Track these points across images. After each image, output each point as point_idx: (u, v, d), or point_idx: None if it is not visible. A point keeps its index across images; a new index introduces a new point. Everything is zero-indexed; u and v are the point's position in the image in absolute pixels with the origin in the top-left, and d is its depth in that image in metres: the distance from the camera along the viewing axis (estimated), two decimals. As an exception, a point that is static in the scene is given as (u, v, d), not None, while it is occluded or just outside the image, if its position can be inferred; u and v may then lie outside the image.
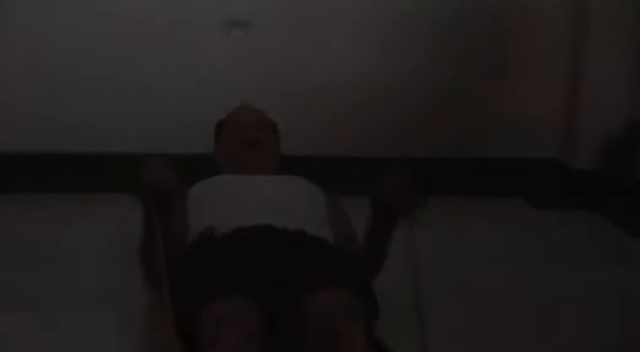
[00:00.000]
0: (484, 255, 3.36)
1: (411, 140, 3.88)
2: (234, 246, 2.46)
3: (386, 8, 3.81)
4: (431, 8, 3.82)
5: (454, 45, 3.86)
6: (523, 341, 2.67)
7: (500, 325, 2.77)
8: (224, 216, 2.59)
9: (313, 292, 2.27)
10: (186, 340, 2.23)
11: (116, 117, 3.78)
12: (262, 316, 2.23)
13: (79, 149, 3.80)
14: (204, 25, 3.74)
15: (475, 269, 3.20)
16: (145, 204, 2.40)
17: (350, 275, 2.43)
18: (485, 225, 3.65)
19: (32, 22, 3.67)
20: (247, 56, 3.76)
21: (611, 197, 3.79)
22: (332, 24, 3.81)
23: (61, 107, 3.77)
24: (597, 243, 3.54)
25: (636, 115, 3.80)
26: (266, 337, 2.22)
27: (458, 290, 3.00)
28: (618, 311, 2.95)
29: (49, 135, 3.77)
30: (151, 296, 2.68)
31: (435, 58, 3.86)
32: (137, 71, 3.76)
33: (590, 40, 3.81)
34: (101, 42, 3.72)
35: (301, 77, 3.80)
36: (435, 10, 3.82)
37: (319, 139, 3.82)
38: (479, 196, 3.87)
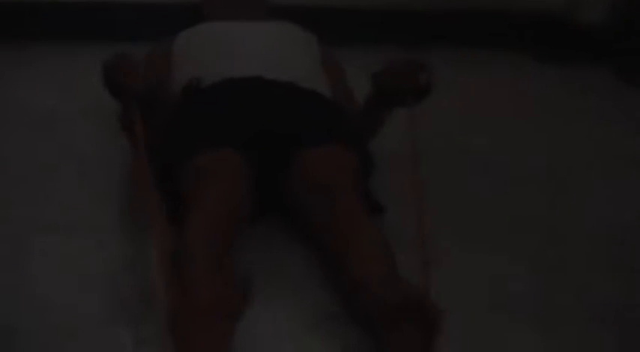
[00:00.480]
0: (486, 110, 3.28)
1: None
2: (221, 97, 2.43)
3: None
4: None
5: None
6: (521, 197, 2.68)
7: (499, 183, 2.75)
8: (211, 65, 2.54)
9: (307, 148, 2.27)
10: (170, 196, 2.21)
11: None
12: (249, 169, 2.23)
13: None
14: None
15: (477, 124, 3.15)
16: (123, 103, 2.39)
17: (344, 129, 2.42)
18: (488, 80, 3.58)
19: None
20: None
21: (617, 52, 3.73)
22: None
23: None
24: (602, 98, 3.49)
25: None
26: (252, 190, 2.22)
27: (458, 146, 2.97)
28: (619, 166, 2.93)
29: None
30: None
31: None
32: None
33: None
34: None
35: None
36: None
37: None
38: (482, 49, 3.74)
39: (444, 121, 3.04)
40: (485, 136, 3.01)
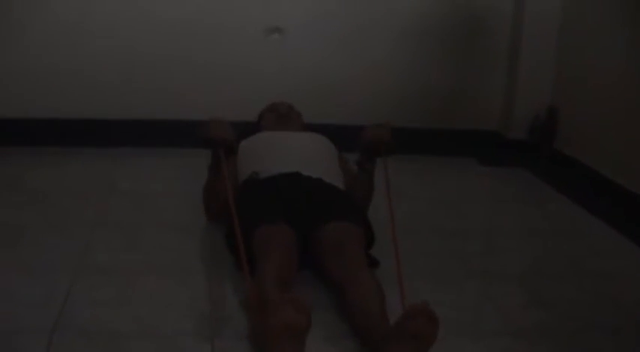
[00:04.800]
0: (444, 196, 3.36)
1: (402, 114, 3.81)
2: (274, 187, 2.49)
3: (389, 25, 3.77)
4: (419, 26, 3.78)
5: (434, 55, 3.83)
6: (463, 256, 2.68)
7: (450, 242, 2.79)
8: (266, 163, 2.61)
9: (329, 222, 2.33)
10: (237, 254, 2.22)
11: (186, 93, 3.68)
12: (296, 236, 2.29)
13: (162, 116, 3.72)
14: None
15: (439, 206, 3.21)
16: (214, 151, 2.50)
17: (355, 212, 2.47)
18: (447, 176, 3.67)
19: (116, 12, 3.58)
20: (280, 53, 3.72)
21: (534, 159, 3.78)
22: (342, 34, 3.75)
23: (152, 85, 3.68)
24: (524, 189, 3.55)
25: (555, 102, 3.76)
26: (298, 249, 2.27)
27: (425, 221, 3.01)
28: (531, 235, 2.94)
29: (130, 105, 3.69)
30: (209, 220, 2.74)
31: (419, 59, 3.84)
32: (200, 63, 3.67)
33: (523, 49, 3.73)
34: (164, 40, 3.64)
35: (318, 69, 3.75)
36: (418, 27, 3.78)
37: (329, 111, 3.72)
38: (445, 156, 3.86)
39: (415, 203, 3.14)
40: (444, 212, 3.08)
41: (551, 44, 3.71)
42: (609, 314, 2.28)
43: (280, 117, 2.95)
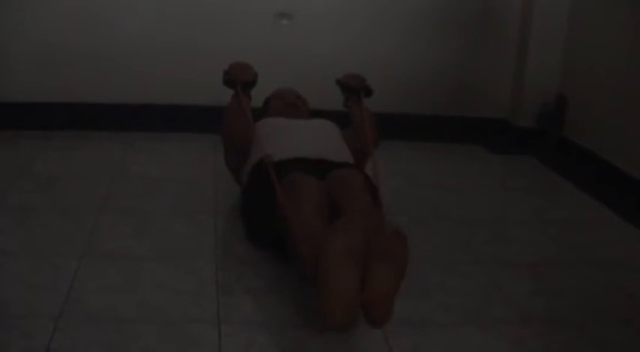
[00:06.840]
0: (452, 182, 3.33)
1: (411, 102, 3.80)
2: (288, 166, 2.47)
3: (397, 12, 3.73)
4: (428, 14, 3.73)
5: (444, 43, 3.78)
6: (472, 244, 2.64)
7: (458, 230, 2.75)
8: (276, 147, 2.55)
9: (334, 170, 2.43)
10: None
11: (196, 78, 3.60)
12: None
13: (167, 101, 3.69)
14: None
15: (447, 193, 3.17)
16: (235, 87, 2.76)
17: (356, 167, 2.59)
18: (456, 163, 3.65)
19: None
20: (289, 37, 3.68)
21: (543, 147, 3.75)
22: (352, 19, 3.71)
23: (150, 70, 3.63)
24: (530, 177, 3.52)
25: (563, 90, 3.71)
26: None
27: (433, 208, 2.96)
28: (539, 223, 2.90)
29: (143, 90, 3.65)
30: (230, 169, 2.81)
31: (429, 47, 3.79)
32: (209, 47, 3.61)
33: (533, 37, 3.68)
34: (173, 24, 3.60)
35: (328, 55, 3.69)
36: (428, 16, 3.73)
37: (339, 99, 3.66)
38: (453, 143, 3.84)
39: (424, 190, 3.13)
40: (452, 199, 3.05)
41: (561, 32, 3.68)
42: (619, 304, 2.26)
43: (288, 105, 2.93)
